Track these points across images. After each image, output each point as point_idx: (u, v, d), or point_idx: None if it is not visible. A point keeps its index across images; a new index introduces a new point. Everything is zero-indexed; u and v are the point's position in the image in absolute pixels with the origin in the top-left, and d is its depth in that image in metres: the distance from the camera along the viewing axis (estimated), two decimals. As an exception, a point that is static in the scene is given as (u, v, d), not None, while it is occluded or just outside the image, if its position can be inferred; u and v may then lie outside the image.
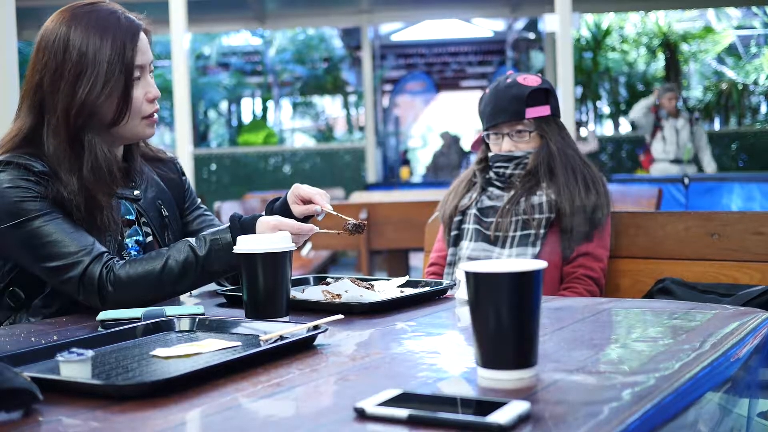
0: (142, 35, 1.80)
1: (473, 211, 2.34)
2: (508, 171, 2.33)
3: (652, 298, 2.08)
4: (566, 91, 7.06)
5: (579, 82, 13.18)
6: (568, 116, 7.34)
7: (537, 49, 15.43)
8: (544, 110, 2.31)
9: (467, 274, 1.07)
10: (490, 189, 2.37)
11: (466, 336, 1.39)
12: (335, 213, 1.78)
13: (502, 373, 1.06)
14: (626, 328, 1.47)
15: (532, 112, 2.29)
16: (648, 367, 1.10)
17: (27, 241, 1.66)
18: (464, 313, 1.61)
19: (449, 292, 1.79)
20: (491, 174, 2.38)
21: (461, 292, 1.68)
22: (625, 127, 13.91)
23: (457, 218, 2.37)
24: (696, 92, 14.27)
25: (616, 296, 2.22)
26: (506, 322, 1.05)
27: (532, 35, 15.14)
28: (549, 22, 6.82)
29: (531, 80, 2.31)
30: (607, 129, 14.53)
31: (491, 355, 1.06)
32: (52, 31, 1.74)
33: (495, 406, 0.90)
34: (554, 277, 2.23)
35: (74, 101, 1.71)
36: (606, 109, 14.68)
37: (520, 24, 14.81)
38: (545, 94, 2.30)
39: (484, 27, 16.00)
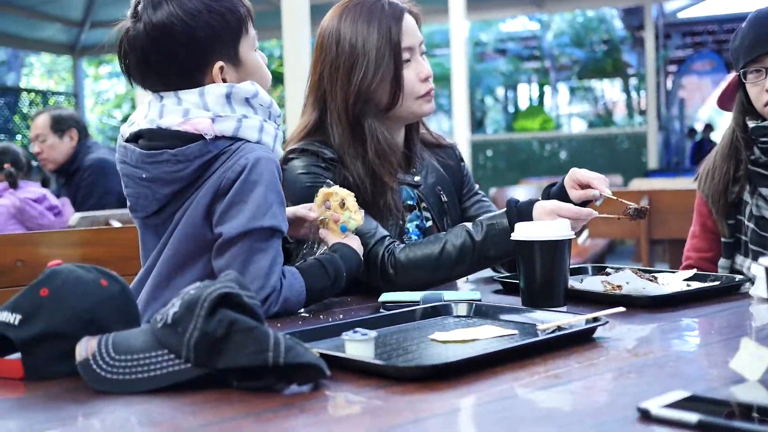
0: (408, 17, 1.84)
1: (750, 224, 1.92)
2: None
3: None
4: None
5: None
6: None
7: None
8: None
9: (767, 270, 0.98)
10: (764, 190, 1.90)
11: (763, 337, 1.27)
12: (614, 197, 1.71)
13: (808, 381, 0.95)
14: None
15: None
16: None
17: (317, 225, 1.76)
18: (761, 313, 1.48)
19: (743, 289, 1.65)
20: (757, 152, 1.90)
21: (759, 289, 1.54)
22: None
23: (730, 221, 1.96)
24: None
25: None
26: (814, 326, 0.94)
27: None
28: None
29: None
30: None
31: (795, 361, 0.96)
32: (326, 28, 1.86)
33: (800, 418, 0.81)
34: None
35: (350, 90, 1.80)
36: None
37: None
38: None
39: (784, -2, 14.63)
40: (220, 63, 1.52)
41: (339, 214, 1.66)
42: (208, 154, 1.47)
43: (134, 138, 1.52)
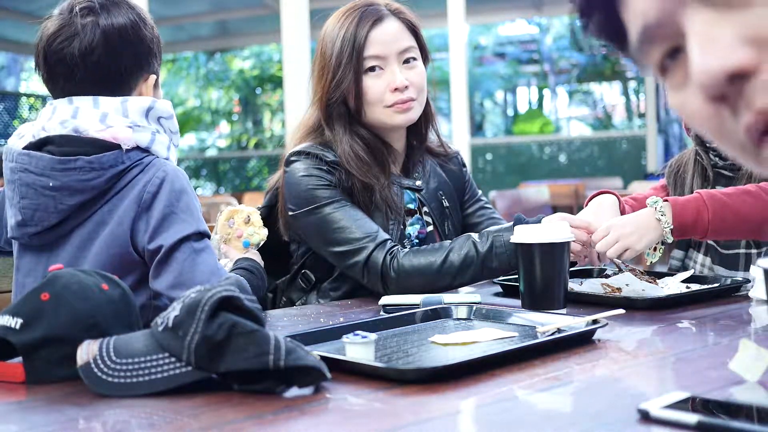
0: (388, 23, 1.80)
1: None
2: None
3: None
4: None
5: None
6: None
7: None
8: None
9: (766, 272, 0.98)
10: (717, 187, 1.90)
11: (762, 339, 1.28)
12: (627, 270, 1.73)
13: (807, 382, 0.95)
14: None
15: None
16: None
17: (318, 227, 1.76)
18: (760, 314, 1.48)
19: (742, 291, 1.65)
20: (714, 158, 1.92)
21: (758, 291, 1.54)
22: None
23: None
24: None
25: None
26: (813, 327, 0.94)
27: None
28: None
29: None
30: None
31: (794, 362, 0.96)
32: (322, 32, 1.87)
33: (799, 419, 0.81)
34: None
35: (320, 97, 1.83)
36: None
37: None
38: None
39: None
40: (154, 76, 1.54)
41: (243, 230, 1.77)
42: (122, 165, 1.44)
43: (38, 146, 1.46)
